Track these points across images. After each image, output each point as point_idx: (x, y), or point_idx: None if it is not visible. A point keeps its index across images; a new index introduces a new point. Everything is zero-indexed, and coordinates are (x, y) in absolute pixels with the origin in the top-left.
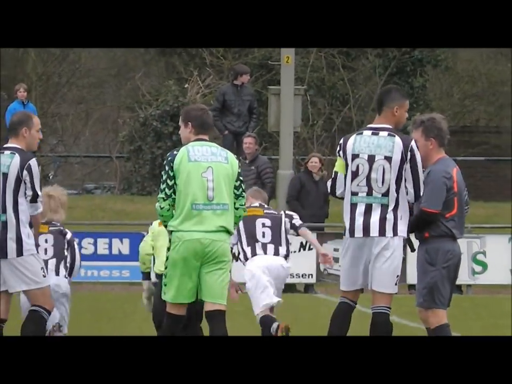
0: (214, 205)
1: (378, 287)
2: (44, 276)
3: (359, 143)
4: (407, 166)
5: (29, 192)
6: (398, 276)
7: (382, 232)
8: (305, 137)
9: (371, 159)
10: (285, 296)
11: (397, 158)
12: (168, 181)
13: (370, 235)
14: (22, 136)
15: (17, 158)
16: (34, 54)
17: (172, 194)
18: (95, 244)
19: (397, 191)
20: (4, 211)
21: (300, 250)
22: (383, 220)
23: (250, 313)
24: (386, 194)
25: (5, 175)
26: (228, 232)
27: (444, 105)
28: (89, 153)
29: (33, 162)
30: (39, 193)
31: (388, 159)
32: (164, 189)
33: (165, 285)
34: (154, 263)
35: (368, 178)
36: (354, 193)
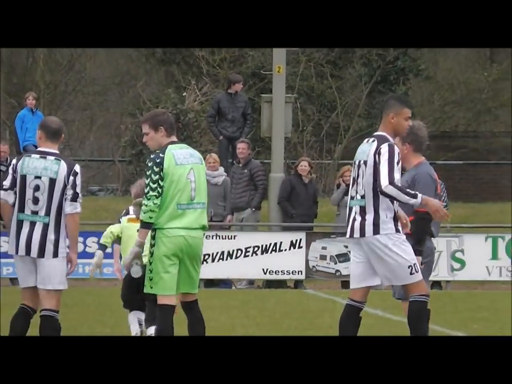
0: (195, 204)
1: (396, 281)
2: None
3: (357, 151)
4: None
5: (69, 191)
6: (410, 266)
7: (362, 233)
8: (295, 142)
9: (358, 165)
10: (276, 292)
11: (370, 161)
12: (160, 181)
13: (354, 236)
14: (61, 141)
15: (63, 164)
16: (43, 63)
17: (162, 193)
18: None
19: (375, 191)
20: (48, 214)
21: (290, 249)
22: (363, 221)
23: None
24: (363, 196)
25: (53, 180)
26: (204, 228)
27: (425, 112)
28: (93, 157)
29: (77, 167)
30: (80, 194)
31: (365, 163)
32: (156, 187)
33: (151, 279)
34: (121, 258)
35: (354, 182)
36: (351, 198)
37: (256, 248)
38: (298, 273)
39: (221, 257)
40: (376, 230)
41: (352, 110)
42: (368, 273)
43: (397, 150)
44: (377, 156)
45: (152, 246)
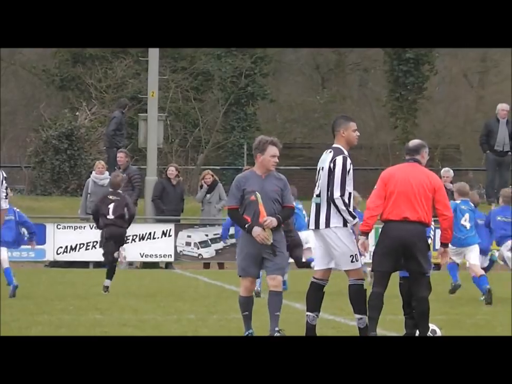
0: None
1: (339, 266)
2: None
3: (320, 160)
4: (333, 175)
5: (3, 193)
6: (351, 255)
7: (317, 225)
8: (166, 152)
9: (318, 171)
10: (151, 271)
11: (326, 168)
12: None
13: (313, 228)
14: None
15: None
16: None
17: None
18: None
19: (328, 192)
20: None
21: (161, 237)
22: (317, 216)
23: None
24: (319, 195)
25: None
26: None
27: (269, 128)
28: (4, 164)
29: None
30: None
31: (323, 169)
32: None
33: None
34: None
35: (316, 184)
36: (314, 196)
37: (134, 236)
38: (168, 257)
39: None
40: (327, 224)
41: (212, 126)
42: (326, 258)
43: (349, 161)
44: (331, 164)
45: None
